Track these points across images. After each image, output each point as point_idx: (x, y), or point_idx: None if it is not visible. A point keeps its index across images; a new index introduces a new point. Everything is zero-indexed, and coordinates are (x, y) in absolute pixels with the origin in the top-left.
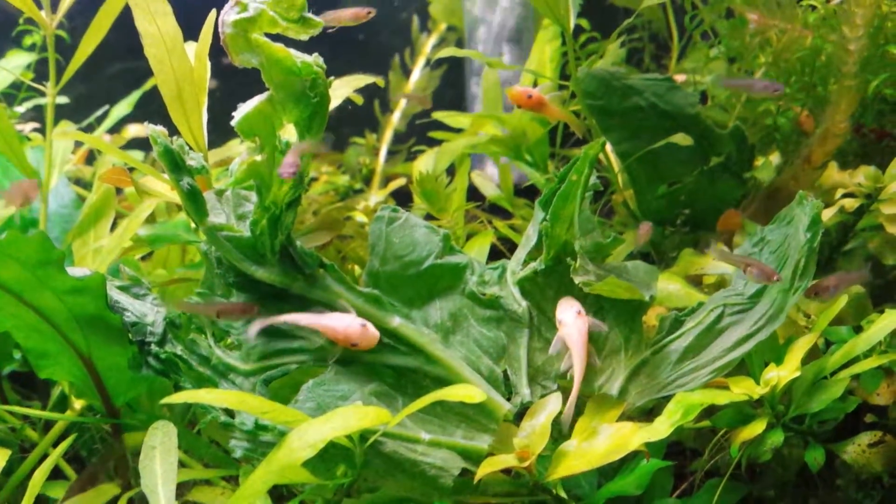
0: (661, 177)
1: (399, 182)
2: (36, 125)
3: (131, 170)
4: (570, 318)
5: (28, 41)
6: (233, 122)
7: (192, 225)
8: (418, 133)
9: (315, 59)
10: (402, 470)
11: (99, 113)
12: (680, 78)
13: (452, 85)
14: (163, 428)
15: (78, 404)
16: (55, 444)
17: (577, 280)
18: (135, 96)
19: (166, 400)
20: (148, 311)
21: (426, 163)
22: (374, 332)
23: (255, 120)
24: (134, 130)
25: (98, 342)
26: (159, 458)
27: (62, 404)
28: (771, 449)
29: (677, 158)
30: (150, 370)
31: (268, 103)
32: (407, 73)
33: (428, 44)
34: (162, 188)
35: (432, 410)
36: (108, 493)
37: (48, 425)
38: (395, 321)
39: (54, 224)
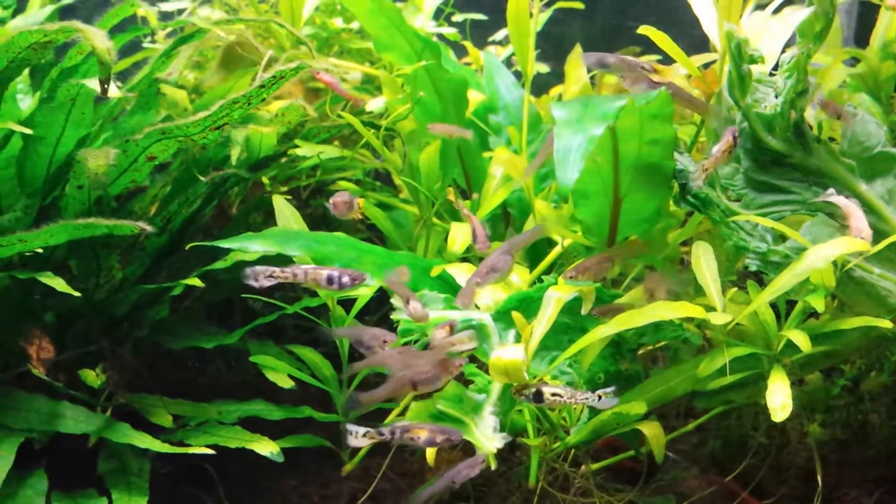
0: None
1: None
2: None
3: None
4: None
5: None
6: None
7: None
8: None
9: None
10: (864, 291)
11: None
12: None
13: None
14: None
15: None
16: None
17: None
18: None
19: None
20: (688, 163)
21: None
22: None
23: None
24: None
25: (637, 185)
26: (704, 264)
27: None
28: None
29: None
30: (686, 204)
31: None
32: None
33: None
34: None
35: (878, 253)
36: None
37: None
38: (863, 186)
39: None
